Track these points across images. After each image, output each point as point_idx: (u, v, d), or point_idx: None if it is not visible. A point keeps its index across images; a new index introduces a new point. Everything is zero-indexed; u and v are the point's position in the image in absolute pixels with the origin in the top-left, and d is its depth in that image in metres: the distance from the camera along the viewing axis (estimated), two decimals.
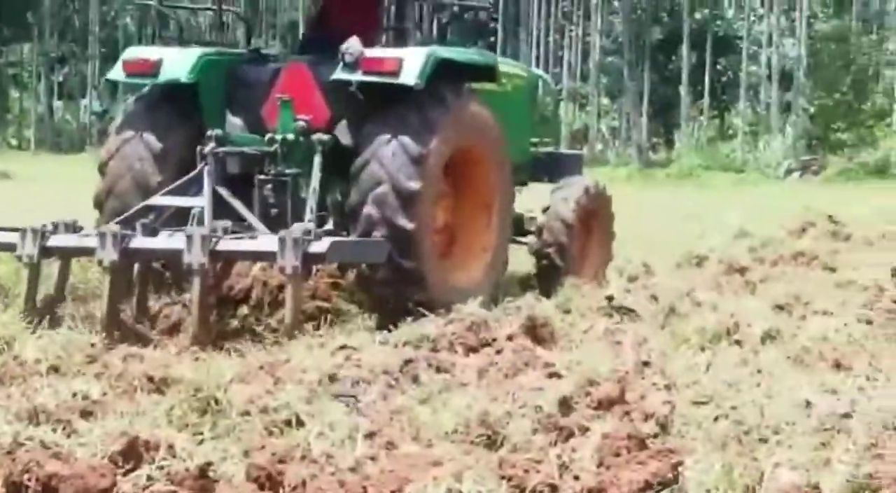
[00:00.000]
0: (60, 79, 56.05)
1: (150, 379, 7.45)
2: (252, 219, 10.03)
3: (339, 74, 10.34)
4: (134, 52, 11.25)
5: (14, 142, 51.24)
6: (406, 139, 10.09)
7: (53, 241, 9.53)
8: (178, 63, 10.67)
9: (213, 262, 9.14)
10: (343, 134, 10.48)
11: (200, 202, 10.00)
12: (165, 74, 10.64)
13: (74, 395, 6.85)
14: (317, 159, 10.23)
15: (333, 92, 10.45)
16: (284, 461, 5.65)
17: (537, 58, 49.77)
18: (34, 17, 52.32)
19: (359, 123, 10.41)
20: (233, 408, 6.83)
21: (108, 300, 9.24)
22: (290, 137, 10.39)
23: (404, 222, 9.97)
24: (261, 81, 10.73)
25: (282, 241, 8.90)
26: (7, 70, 55.58)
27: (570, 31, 52.60)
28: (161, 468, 5.38)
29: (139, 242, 9.40)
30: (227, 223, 9.69)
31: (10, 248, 9.58)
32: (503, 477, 5.58)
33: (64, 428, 6.16)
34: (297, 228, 9.15)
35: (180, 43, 11.53)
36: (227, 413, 6.75)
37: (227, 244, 9.22)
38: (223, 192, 10.13)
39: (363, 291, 10.14)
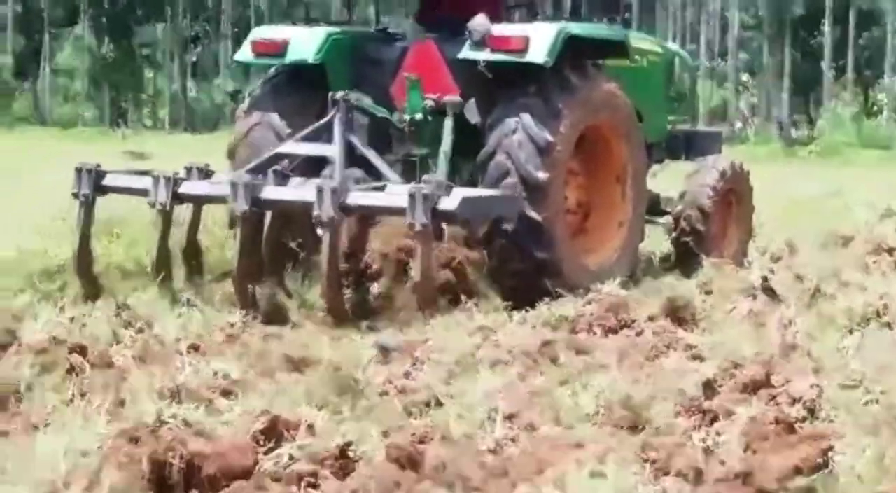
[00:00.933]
0: (193, 59, 57.05)
1: (290, 359, 7.47)
2: (385, 169, 9.82)
3: (466, 53, 10.20)
4: (261, 33, 11.18)
5: (149, 122, 52.25)
6: (533, 128, 9.88)
7: (185, 188, 9.56)
8: (305, 43, 10.59)
9: (343, 216, 8.98)
10: (471, 113, 10.34)
11: (331, 151, 9.86)
12: (292, 55, 10.58)
13: (215, 374, 6.90)
14: (448, 123, 10.07)
15: (461, 70, 10.32)
16: (424, 441, 5.62)
17: (674, 34, 49.12)
18: None
19: (487, 103, 10.25)
20: (372, 388, 6.83)
21: (240, 249, 9.23)
22: (419, 116, 10.30)
23: (534, 213, 9.79)
24: (388, 60, 10.64)
25: (412, 196, 8.70)
26: (141, 50, 56.61)
27: (708, 5, 51.77)
28: (302, 447, 5.37)
29: (270, 192, 9.31)
30: (358, 173, 9.61)
31: (142, 193, 9.60)
32: (646, 461, 5.46)
33: (206, 407, 6.21)
34: (427, 183, 8.98)
35: (307, 22, 11.45)
36: (366, 394, 6.75)
37: (357, 198, 9.04)
38: (354, 140, 9.95)
39: (496, 281, 9.88)
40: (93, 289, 9.46)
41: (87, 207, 9.65)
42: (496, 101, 10.18)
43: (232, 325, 8.57)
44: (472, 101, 10.32)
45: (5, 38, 51.73)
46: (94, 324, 7.99)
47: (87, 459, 5.35)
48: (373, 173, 9.80)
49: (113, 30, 55.17)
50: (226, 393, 6.59)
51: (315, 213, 8.84)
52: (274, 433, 5.49)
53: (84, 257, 9.59)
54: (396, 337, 8.11)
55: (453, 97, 10.20)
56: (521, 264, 9.84)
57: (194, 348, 7.73)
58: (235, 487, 4.86)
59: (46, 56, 53.08)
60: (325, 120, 10.04)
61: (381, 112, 10.40)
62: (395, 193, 9.14)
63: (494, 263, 9.87)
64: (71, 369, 6.92)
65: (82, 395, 6.56)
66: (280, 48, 10.60)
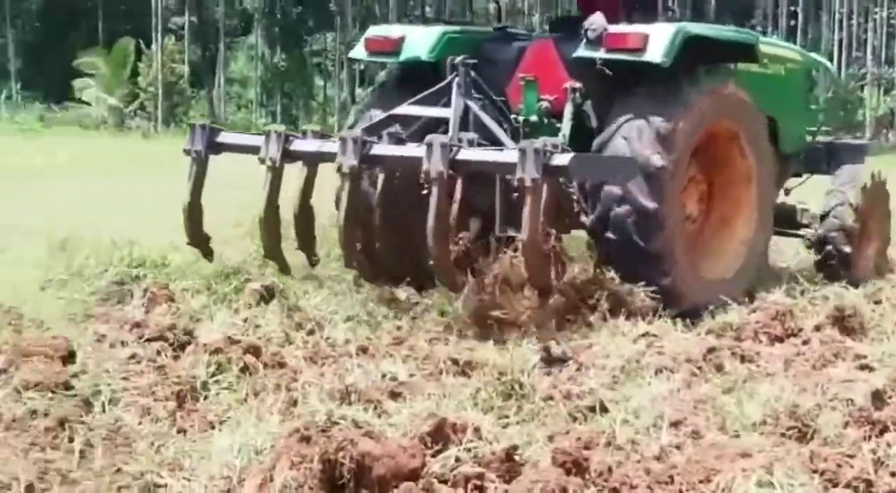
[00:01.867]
0: (362, 67, 57.86)
1: (456, 362, 7.57)
2: (501, 135, 9.64)
3: (582, 52, 9.99)
4: (376, 30, 11.09)
5: (318, 129, 53.01)
6: (652, 117, 9.63)
7: (296, 145, 9.58)
8: (419, 41, 10.50)
9: (453, 171, 8.82)
10: (587, 115, 10.11)
11: (447, 113, 9.74)
12: (406, 52, 10.49)
13: (383, 376, 7.04)
14: (568, 109, 9.90)
15: (578, 71, 10.10)
16: (589, 447, 5.63)
17: (839, 41, 48.11)
18: (336, 6, 54.06)
19: (604, 104, 10.01)
20: (537, 393, 6.88)
21: (347, 206, 9.27)
22: (534, 118, 10.15)
23: (647, 202, 9.50)
24: (506, 60, 10.47)
25: (522, 152, 8.49)
26: (312, 59, 57.58)
27: (875, 13, 50.59)
28: (468, 449, 5.44)
29: (380, 148, 9.31)
30: (474, 136, 9.45)
31: (254, 150, 9.63)
32: (815, 471, 5.40)
33: (375, 408, 6.35)
34: (539, 141, 8.75)
35: (424, 21, 11.32)
36: (531, 398, 6.80)
37: (467, 154, 8.92)
38: (472, 105, 9.81)
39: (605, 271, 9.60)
40: (203, 248, 9.76)
41: (200, 163, 9.76)
42: (613, 99, 9.94)
43: (399, 328, 8.72)
44: (589, 103, 10.10)
45: (183, 48, 53.15)
46: (266, 325, 8.20)
47: (261, 456, 5.53)
48: (490, 141, 9.55)
49: (285, 39, 56.34)
50: (394, 395, 6.71)
51: (424, 167, 8.73)
52: (441, 435, 5.56)
53: (194, 215, 9.75)
54: (562, 347, 8.11)
55: (574, 83, 9.98)
56: (630, 256, 9.52)
57: (363, 349, 7.89)
58: (404, 488, 4.96)
59: (221, 65, 54.40)
60: (442, 83, 9.92)
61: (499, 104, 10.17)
62: (507, 149, 9.01)
63: (603, 255, 9.71)
64: (245, 369, 7.13)
65: (256, 394, 6.76)
66: (394, 46, 10.55)
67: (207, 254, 9.83)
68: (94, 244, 10.18)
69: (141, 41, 49.91)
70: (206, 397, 6.78)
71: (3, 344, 7.21)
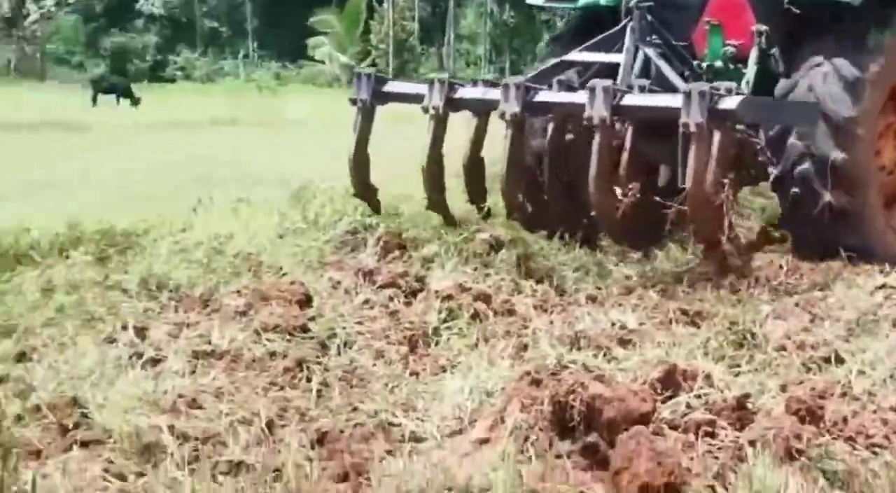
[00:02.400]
0: None
1: (685, 312, 7.49)
2: (678, 82, 9.21)
3: None
4: None
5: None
6: (841, 61, 9.11)
7: (460, 93, 9.38)
8: None
9: (615, 117, 8.51)
10: (774, 60, 9.66)
11: (618, 58, 9.39)
12: None
13: (613, 324, 7.02)
14: (753, 53, 9.48)
15: (766, 14, 9.67)
16: (824, 396, 5.52)
17: None
18: None
19: (791, 48, 9.55)
20: (769, 343, 6.76)
21: (510, 155, 9.07)
22: (719, 64, 9.71)
23: (835, 153, 9.00)
24: (690, 5, 10.08)
25: (687, 95, 8.04)
26: (540, 15, 57.44)
27: None
28: (699, 396, 5.41)
29: (544, 95, 9.05)
30: (645, 82, 9.15)
31: (418, 100, 9.47)
32: None
33: (604, 354, 6.36)
34: (705, 83, 8.33)
35: None
36: (764, 348, 6.69)
37: (631, 99, 8.57)
38: (648, 51, 9.48)
39: (787, 230, 9.30)
40: (371, 200, 9.63)
41: (366, 112, 9.62)
42: (801, 44, 9.49)
43: (628, 277, 8.69)
44: (775, 48, 9.64)
45: (413, 6, 53.74)
46: (496, 274, 8.27)
47: (492, 399, 5.61)
48: (665, 88, 9.20)
49: None
50: (623, 342, 6.69)
51: (586, 113, 8.44)
52: (671, 382, 5.54)
53: (360, 165, 9.63)
54: None
55: (761, 26, 9.54)
56: (815, 211, 9.06)
57: (592, 298, 7.89)
58: (634, 431, 4.95)
59: (451, 22, 54.82)
60: (617, 27, 9.63)
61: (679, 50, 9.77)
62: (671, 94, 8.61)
63: (786, 210, 9.30)
64: (475, 316, 7.20)
65: (486, 340, 6.83)
66: None
67: (375, 207, 9.69)
68: (329, 194, 10.42)
69: None
70: (437, 343, 6.89)
71: (244, 288, 7.47)
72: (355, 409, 5.68)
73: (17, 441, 4.90)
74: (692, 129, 8.00)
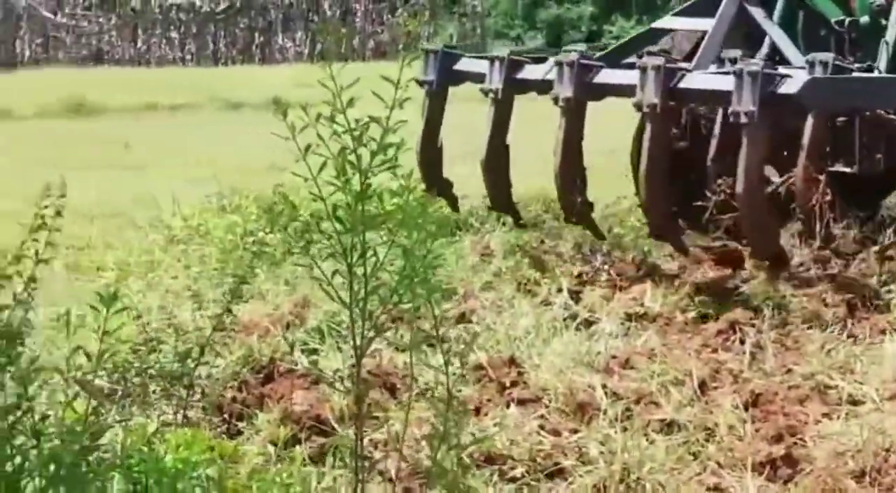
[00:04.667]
0: None
1: None
2: (791, 52, 7.63)
3: None
4: None
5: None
6: None
7: (524, 73, 7.92)
8: None
9: (667, 102, 7.02)
10: None
11: (709, 25, 7.83)
12: None
13: None
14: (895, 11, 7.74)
15: None
16: None
17: None
18: None
19: None
20: None
21: (563, 149, 7.52)
22: (864, 20, 8.01)
23: None
24: None
25: (738, 75, 6.62)
26: None
27: None
28: None
29: (601, 76, 7.44)
30: (737, 53, 7.53)
31: (478, 78, 8.13)
32: None
33: None
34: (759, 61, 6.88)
35: None
36: None
37: (689, 81, 7.04)
38: (754, 11, 7.84)
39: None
40: (446, 195, 8.27)
41: (435, 96, 8.33)
42: None
43: None
44: None
45: None
46: None
47: None
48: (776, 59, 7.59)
49: None
50: None
51: (636, 98, 7.08)
52: None
53: (431, 157, 8.32)
54: None
55: None
56: None
57: None
58: None
59: None
60: None
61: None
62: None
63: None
64: None
65: None
66: None
67: (453, 203, 8.42)
68: None
69: None
70: (876, 307, 6.66)
71: (676, 253, 7.45)
72: (790, 371, 5.60)
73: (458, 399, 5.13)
74: (742, 119, 6.59)
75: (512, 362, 5.63)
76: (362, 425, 3.00)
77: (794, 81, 6.61)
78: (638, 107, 7.07)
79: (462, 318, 6.48)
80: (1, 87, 21.70)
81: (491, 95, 7.94)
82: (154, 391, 4.74)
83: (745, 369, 5.65)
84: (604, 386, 5.28)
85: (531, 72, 7.89)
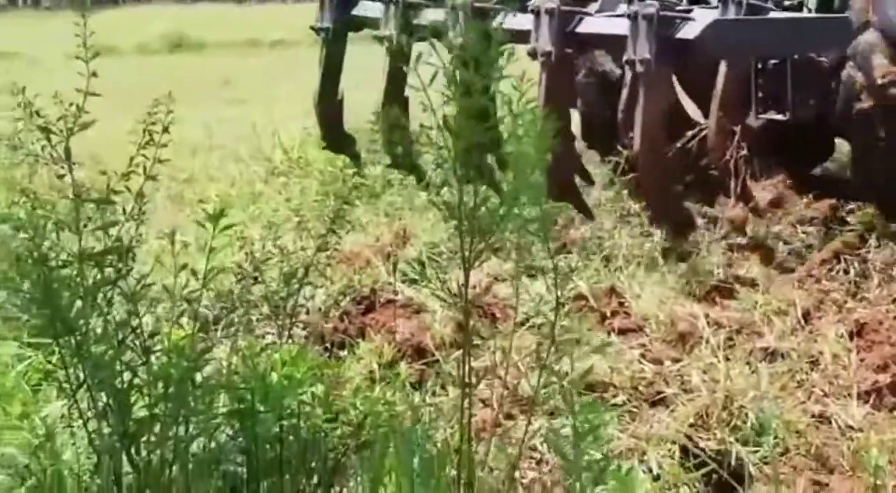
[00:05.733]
0: None
1: None
2: None
3: None
4: None
5: None
6: None
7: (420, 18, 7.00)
8: None
9: (562, 50, 6.31)
10: None
11: None
12: None
13: None
14: None
15: None
16: None
17: None
18: None
19: None
20: None
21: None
22: None
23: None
24: None
25: (632, 19, 5.83)
26: None
27: None
28: None
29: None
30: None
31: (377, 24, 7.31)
32: None
33: None
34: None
35: None
36: None
37: (581, 25, 6.29)
38: None
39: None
40: (346, 151, 7.68)
41: (331, 44, 7.66)
42: None
43: None
44: None
45: None
46: None
47: None
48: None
49: None
50: None
51: (530, 46, 6.29)
52: None
53: (329, 110, 7.70)
54: None
55: None
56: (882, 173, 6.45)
57: None
58: None
59: None
60: None
61: None
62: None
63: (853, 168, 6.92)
64: None
65: None
66: None
67: (355, 161, 7.52)
68: None
69: None
70: None
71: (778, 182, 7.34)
72: (895, 300, 5.52)
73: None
74: (637, 68, 5.83)
75: (613, 291, 5.61)
76: (470, 340, 2.99)
77: (694, 25, 5.79)
78: (532, 55, 6.32)
79: (563, 248, 6.44)
80: (105, 23, 21.83)
81: (385, 42, 7.18)
82: (257, 318, 4.81)
83: (849, 299, 5.59)
84: (706, 315, 5.24)
85: (430, 16, 6.86)
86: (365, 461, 3.08)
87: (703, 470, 4.02)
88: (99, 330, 2.83)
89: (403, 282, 5.82)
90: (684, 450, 4.10)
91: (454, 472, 2.93)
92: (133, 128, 2.90)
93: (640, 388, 4.62)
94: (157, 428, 2.89)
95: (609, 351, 4.90)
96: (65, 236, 2.89)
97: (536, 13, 6.31)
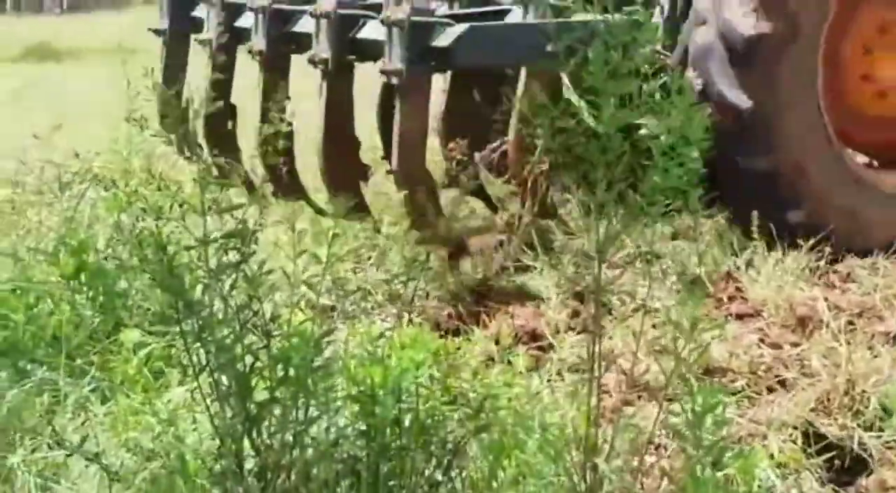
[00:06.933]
0: None
1: None
2: None
3: None
4: None
5: None
6: None
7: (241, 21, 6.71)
8: None
9: (342, 57, 5.84)
10: None
11: None
12: None
13: None
14: None
15: None
16: None
17: None
18: None
19: None
20: None
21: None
22: None
23: (737, 98, 5.81)
24: None
25: (388, 27, 5.38)
26: None
27: None
28: None
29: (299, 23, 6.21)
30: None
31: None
32: None
33: None
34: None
35: None
36: None
37: (363, 31, 5.86)
38: None
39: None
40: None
41: (172, 47, 7.33)
42: None
43: None
44: None
45: None
46: None
47: None
48: None
49: None
50: None
51: (311, 52, 6.00)
52: None
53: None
54: None
55: None
56: (732, 181, 5.81)
57: None
58: None
59: None
60: None
61: None
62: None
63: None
64: None
65: None
66: None
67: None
68: None
69: None
70: None
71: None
72: None
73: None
74: (393, 79, 5.42)
75: (729, 276, 5.55)
76: (600, 327, 2.97)
77: (451, 31, 5.36)
78: (312, 62, 5.94)
79: (675, 235, 6.38)
80: None
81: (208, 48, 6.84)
82: (372, 305, 4.84)
83: None
84: (825, 299, 5.16)
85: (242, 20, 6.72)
86: (484, 444, 3.08)
87: (826, 456, 3.96)
88: (221, 315, 2.86)
89: (516, 270, 5.81)
90: (806, 435, 4.04)
91: (577, 456, 2.91)
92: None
93: (759, 373, 4.56)
94: (277, 411, 2.92)
95: (727, 336, 4.85)
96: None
97: (316, 17, 5.89)
